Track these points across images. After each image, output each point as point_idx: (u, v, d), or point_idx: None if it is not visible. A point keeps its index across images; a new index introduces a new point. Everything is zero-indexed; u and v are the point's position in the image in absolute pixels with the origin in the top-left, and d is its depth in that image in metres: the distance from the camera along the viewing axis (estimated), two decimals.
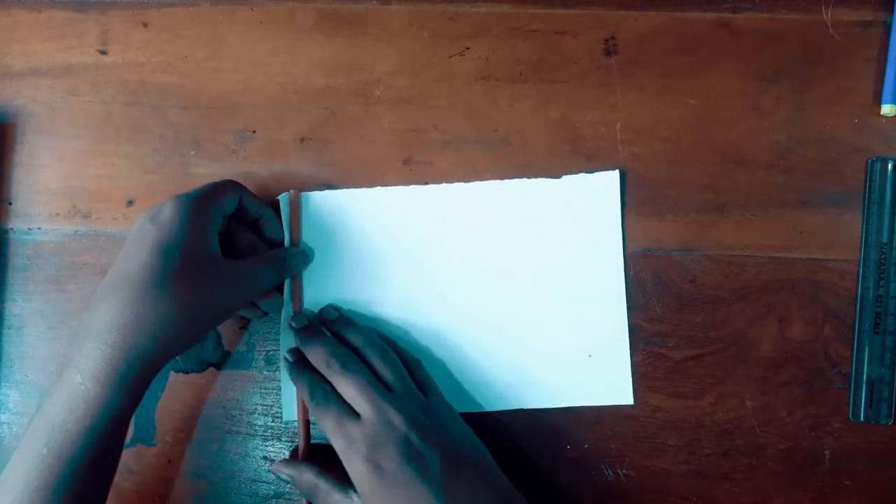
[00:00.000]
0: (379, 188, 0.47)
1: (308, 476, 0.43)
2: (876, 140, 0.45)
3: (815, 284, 0.45)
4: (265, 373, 0.47)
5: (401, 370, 0.43)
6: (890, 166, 0.45)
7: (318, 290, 0.47)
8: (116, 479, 0.47)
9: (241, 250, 0.43)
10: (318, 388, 0.42)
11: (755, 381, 0.45)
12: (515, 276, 0.46)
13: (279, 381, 0.47)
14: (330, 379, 0.42)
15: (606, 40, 0.47)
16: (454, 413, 0.43)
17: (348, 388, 0.41)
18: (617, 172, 0.46)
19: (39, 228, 0.49)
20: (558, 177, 0.46)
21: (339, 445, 0.40)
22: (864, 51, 0.46)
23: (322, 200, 0.47)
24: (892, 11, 0.45)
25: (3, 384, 0.49)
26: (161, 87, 0.49)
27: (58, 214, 0.49)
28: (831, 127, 0.46)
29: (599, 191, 0.46)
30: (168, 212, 0.40)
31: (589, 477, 0.45)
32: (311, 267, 0.47)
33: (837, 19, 0.46)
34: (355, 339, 0.44)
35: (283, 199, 0.46)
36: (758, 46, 0.46)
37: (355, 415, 0.40)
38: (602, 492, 0.45)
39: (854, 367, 0.45)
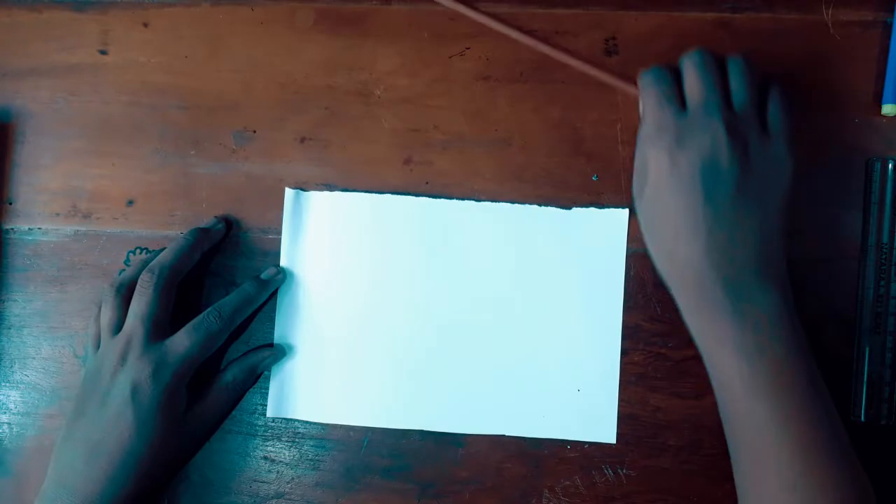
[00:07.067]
0: (384, 195, 0.47)
1: None
2: (876, 140, 0.45)
3: (816, 284, 0.45)
4: (265, 373, 0.47)
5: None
6: (891, 166, 0.45)
7: (314, 293, 0.47)
8: None
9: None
10: (666, 71, 0.41)
11: None
12: (514, 300, 0.46)
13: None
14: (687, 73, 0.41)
15: (607, 40, 0.47)
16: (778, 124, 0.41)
17: (693, 81, 0.40)
18: (626, 211, 0.46)
19: (40, 228, 0.49)
20: (568, 207, 0.46)
21: (647, 126, 0.40)
22: (864, 51, 0.46)
23: (327, 202, 0.47)
24: (892, 11, 0.45)
25: (3, 385, 0.49)
26: (161, 87, 0.49)
27: (58, 214, 0.49)
28: (832, 127, 0.46)
29: (607, 227, 0.46)
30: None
31: (589, 477, 0.45)
32: (310, 268, 0.47)
33: (838, 19, 0.46)
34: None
35: (289, 196, 0.47)
36: (758, 46, 0.46)
37: (681, 107, 0.40)
38: (602, 492, 0.45)
39: (855, 367, 0.45)
